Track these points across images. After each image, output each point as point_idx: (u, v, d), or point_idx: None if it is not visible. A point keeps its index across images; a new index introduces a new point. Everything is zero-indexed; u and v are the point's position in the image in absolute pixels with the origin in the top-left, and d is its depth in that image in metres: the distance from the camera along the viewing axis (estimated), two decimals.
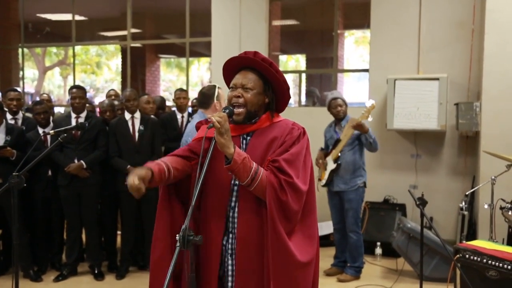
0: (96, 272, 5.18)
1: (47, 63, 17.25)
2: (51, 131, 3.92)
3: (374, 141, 4.93)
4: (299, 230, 2.25)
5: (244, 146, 2.31)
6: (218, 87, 4.09)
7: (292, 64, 16.35)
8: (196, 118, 4.09)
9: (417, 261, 4.89)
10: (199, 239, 1.95)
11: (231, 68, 2.37)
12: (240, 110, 2.26)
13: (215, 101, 4.05)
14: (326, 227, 6.26)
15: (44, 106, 5.18)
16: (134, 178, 2.16)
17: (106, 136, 5.11)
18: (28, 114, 5.89)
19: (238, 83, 2.28)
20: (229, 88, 2.34)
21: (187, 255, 2.02)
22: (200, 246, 2.24)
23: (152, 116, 5.47)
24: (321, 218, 4.90)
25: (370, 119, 4.94)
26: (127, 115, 5.14)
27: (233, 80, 2.31)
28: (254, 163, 2.15)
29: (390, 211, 6.18)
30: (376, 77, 6.59)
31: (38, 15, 10.54)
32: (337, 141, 5.05)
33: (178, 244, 1.92)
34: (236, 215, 2.27)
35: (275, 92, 2.34)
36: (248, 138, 2.32)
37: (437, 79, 6.03)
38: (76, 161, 4.96)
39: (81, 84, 6.81)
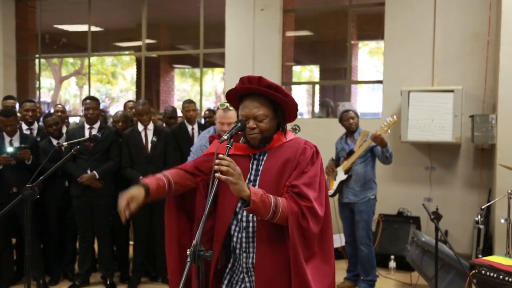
0: (108, 282, 5.18)
1: (64, 73, 17.47)
2: (65, 143, 3.95)
3: (391, 155, 4.89)
4: (318, 255, 2.26)
5: (255, 166, 2.31)
6: (219, 107, 4.12)
7: (306, 74, 16.35)
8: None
9: (431, 276, 4.80)
10: (209, 255, 1.93)
11: (236, 94, 2.33)
12: (256, 135, 2.27)
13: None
14: (336, 240, 6.21)
15: (54, 118, 5.20)
16: (122, 201, 2.21)
17: (119, 147, 5.13)
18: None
19: (250, 115, 2.25)
20: (239, 116, 2.33)
21: (197, 270, 2.01)
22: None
23: (164, 125, 5.47)
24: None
25: (389, 132, 4.92)
26: (140, 126, 5.15)
27: (243, 111, 2.28)
28: (271, 196, 2.13)
29: (404, 224, 6.11)
30: (390, 88, 6.55)
31: (55, 26, 10.70)
32: (350, 152, 5.01)
33: (188, 259, 1.90)
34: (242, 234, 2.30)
35: (284, 111, 2.33)
36: (261, 158, 2.32)
37: (452, 91, 5.98)
38: (89, 171, 4.98)
39: (97, 94, 6.88)
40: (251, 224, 2.28)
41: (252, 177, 2.30)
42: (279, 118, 2.32)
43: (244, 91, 2.29)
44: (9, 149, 4.77)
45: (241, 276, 2.35)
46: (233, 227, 2.31)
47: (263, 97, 2.26)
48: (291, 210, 2.14)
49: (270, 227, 2.23)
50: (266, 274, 2.25)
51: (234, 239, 2.31)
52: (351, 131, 5.09)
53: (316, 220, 2.19)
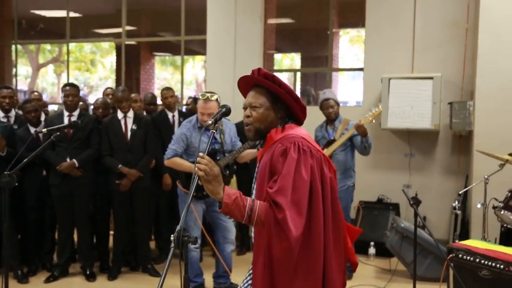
0: (87, 273, 5.13)
1: (41, 60, 17.14)
2: (44, 130, 3.90)
3: (370, 146, 4.93)
4: (301, 274, 2.15)
5: (256, 170, 2.37)
6: (200, 97, 4.22)
7: (287, 62, 16.33)
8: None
9: (410, 261, 4.88)
10: (194, 240, 1.95)
11: (245, 87, 2.39)
12: (249, 127, 2.30)
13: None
14: None
15: (34, 105, 5.13)
16: None
17: (99, 135, 5.07)
18: (21, 112, 5.85)
19: (247, 103, 2.32)
20: None
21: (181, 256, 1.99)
22: None
23: (144, 112, 5.42)
24: None
25: (373, 122, 4.98)
26: (120, 114, 5.09)
27: (245, 101, 2.35)
28: (249, 199, 2.13)
29: (383, 210, 6.18)
30: (371, 76, 6.59)
31: (32, 11, 10.47)
32: (331, 141, 5.02)
33: (172, 245, 1.91)
34: None
35: (285, 105, 2.31)
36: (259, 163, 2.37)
37: (431, 78, 6.04)
38: (68, 159, 4.92)
39: (75, 82, 6.77)
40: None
41: (255, 175, 2.36)
42: (280, 111, 2.31)
43: (248, 81, 2.35)
44: None
45: None
46: None
47: (263, 88, 2.30)
48: (267, 216, 2.10)
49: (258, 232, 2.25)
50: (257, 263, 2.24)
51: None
52: (331, 120, 5.10)
53: (291, 230, 2.06)
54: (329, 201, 2.20)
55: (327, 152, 4.98)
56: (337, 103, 5.10)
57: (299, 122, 2.38)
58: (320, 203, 2.15)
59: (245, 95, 2.40)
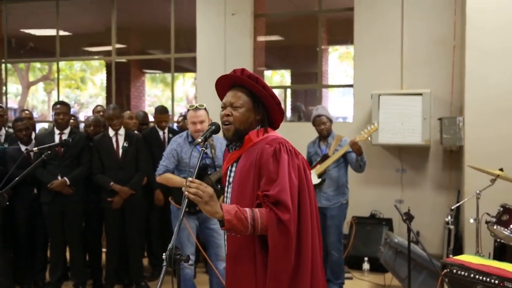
0: None
1: (31, 78, 17.08)
2: (35, 149, 3.87)
3: (364, 164, 4.89)
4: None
5: (234, 168, 2.32)
6: (189, 108, 4.22)
7: (277, 79, 16.43)
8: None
9: (404, 276, 4.85)
10: (186, 258, 1.93)
11: (222, 86, 2.37)
12: (228, 126, 2.27)
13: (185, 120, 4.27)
14: None
15: (25, 123, 5.08)
16: None
17: (90, 153, 5.04)
18: (11, 130, 5.80)
19: (227, 102, 2.28)
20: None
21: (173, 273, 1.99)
22: None
23: (136, 132, 5.41)
24: None
25: (369, 139, 4.96)
26: (111, 132, 5.07)
27: (224, 99, 2.31)
28: (247, 209, 2.10)
29: (376, 226, 6.17)
30: (361, 92, 6.63)
31: (22, 30, 10.45)
32: (325, 156, 4.98)
33: (164, 263, 1.90)
34: None
35: (266, 108, 2.31)
36: (235, 165, 2.32)
37: (421, 94, 6.09)
38: (59, 177, 4.88)
39: (66, 99, 6.75)
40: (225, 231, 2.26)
41: (231, 179, 2.32)
42: (260, 113, 2.30)
43: (229, 81, 2.33)
44: None
45: None
46: None
47: (245, 88, 2.29)
48: (269, 220, 2.09)
49: (237, 244, 2.21)
50: (234, 273, 2.23)
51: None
52: (323, 136, 5.09)
53: (291, 231, 2.11)
54: (313, 201, 2.26)
55: (320, 168, 4.97)
56: (330, 120, 5.08)
57: (275, 126, 2.37)
58: (307, 204, 2.19)
59: (221, 94, 2.37)
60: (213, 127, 2.27)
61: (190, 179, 2.04)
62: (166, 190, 5.03)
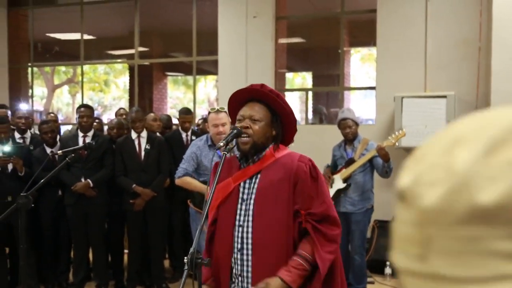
0: None
1: (56, 82, 17.36)
2: (59, 152, 3.92)
3: (391, 170, 4.76)
4: None
5: (247, 185, 2.26)
6: (210, 111, 4.20)
7: (299, 81, 16.37)
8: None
9: None
10: (207, 262, 1.93)
11: (238, 100, 2.31)
12: (247, 139, 2.20)
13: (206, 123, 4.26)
14: None
15: (50, 125, 5.19)
16: None
17: (113, 155, 5.10)
18: (37, 132, 5.90)
19: (246, 115, 2.22)
20: (235, 120, 2.29)
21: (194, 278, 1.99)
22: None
23: (159, 134, 5.45)
24: None
25: (396, 145, 4.88)
26: (134, 134, 5.13)
27: (241, 112, 2.25)
28: (297, 259, 2.15)
29: None
30: (383, 94, 6.56)
31: (47, 34, 10.64)
32: (350, 161, 4.88)
33: (186, 267, 1.90)
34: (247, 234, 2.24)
35: (282, 124, 2.29)
36: (254, 176, 2.26)
37: (445, 96, 5.99)
38: (83, 180, 4.95)
39: (89, 102, 6.85)
40: (245, 247, 2.21)
41: (245, 196, 2.24)
42: (276, 129, 2.26)
43: (246, 94, 2.29)
44: (6, 148, 4.65)
45: None
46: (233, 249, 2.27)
47: (263, 103, 2.25)
48: (318, 240, 2.16)
49: (268, 252, 2.18)
50: None
51: (232, 260, 2.24)
52: (348, 140, 4.99)
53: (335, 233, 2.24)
54: None
55: (346, 172, 4.88)
56: (356, 123, 4.97)
57: (286, 143, 2.37)
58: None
59: (234, 108, 2.32)
60: (235, 131, 2.21)
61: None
62: (186, 193, 5.04)
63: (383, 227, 6.15)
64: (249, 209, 2.21)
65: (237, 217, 2.23)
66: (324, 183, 2.24)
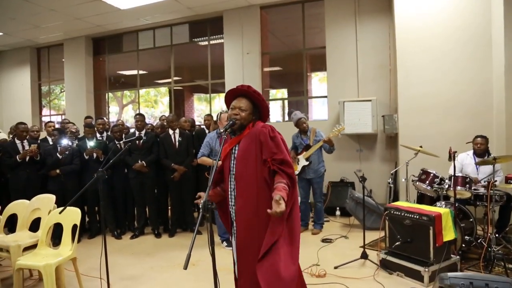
0: (156, 232, 5.15)
1: (124, 102, 17.27)
2: (122, 141, 3.94)
3: (333, 150, 4.83)
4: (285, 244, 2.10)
5: (235, 152, 2.26)
6: (221, 112, 4.17)
7: (279, 95, 16.29)
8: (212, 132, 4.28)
9: (361, 218, 4.86)
10: (214, 206, 1.97)
11: (231, 95, 2.34)
12: (237, 122, 2.25)
13: (219, 120, 4.20)
14: None
15: (119, 127, 5.20)
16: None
17: (157, 145, 5.10)
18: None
19: (236, 105, 2.26)
20: (229, 108, 2.33)
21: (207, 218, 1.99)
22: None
23: (187, 131, 5.47)
24: None
25: (339, 136, 4.85)
26: (171, 131, 5.14)
27: (233, 103, 2.29)
28: (278, 185, 2.07)
29: (344, 187, 6.14)
30: (332, 100, 6.58)
31: (117, 72, 10.62)
32: (308, 146, 4.90)
33: (201, 210, 1.92)
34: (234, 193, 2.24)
35: (259, 111, 2.32)
36: (238, 145, 2.27)
37: (370, 100, 6.03)
38: (139, 161, 4.97)
39: (145, 114, 6.85)
40: (232, 180, 2.22)
41: (234, 155, 2.28)
42: (255, 115, 2.29)
43: (238, 92, 2.31)
44: (92, 143, 4.82)
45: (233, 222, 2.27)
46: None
47: (248, 98, 2.28)
48: (281, 176, 2.10)
49: (244, 180, 2.15)
50: (243, 220, 2.14)
51: (229, 188, 2.27)
52: (304, 131, 4.98)
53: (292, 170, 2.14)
54: None
55: (306, 154, 4.86)
56: (307, 119, 4.99)
57: (263, 122, 2.36)
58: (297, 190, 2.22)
59: (228, 100, 2.33)
60: (231, 122, 2.26)
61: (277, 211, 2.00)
62: (206, 168, 5.07)
63: (334, 186, 6.21)
64: (233, 164, 2.26)
65: (230, 166, 2.27)
66: (280, 140, 2.18)
